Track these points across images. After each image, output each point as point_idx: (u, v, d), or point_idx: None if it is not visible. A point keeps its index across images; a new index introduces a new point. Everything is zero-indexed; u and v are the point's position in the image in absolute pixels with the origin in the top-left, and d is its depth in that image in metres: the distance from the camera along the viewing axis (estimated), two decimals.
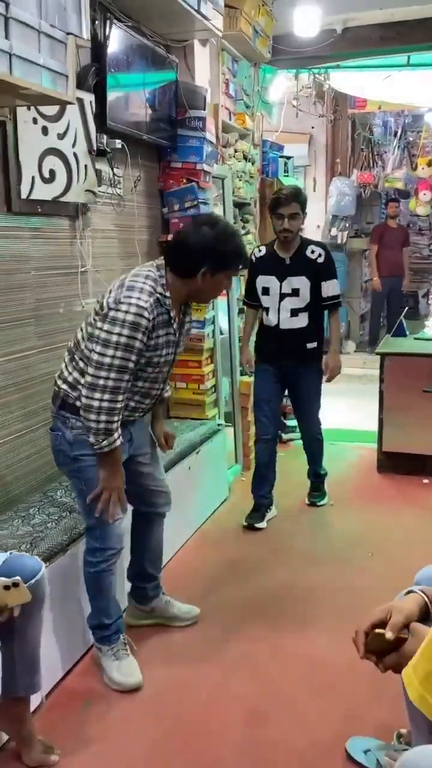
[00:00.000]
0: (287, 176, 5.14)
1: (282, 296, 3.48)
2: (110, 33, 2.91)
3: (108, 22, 2.90)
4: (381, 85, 6.34)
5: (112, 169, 3.13)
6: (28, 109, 2.49)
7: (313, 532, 3.57)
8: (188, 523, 3.46)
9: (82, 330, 2.22)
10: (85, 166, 2.88)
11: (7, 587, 1.68)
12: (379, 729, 2.03)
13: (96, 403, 2.06)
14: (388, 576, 2.88)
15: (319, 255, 3.48)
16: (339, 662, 2.41)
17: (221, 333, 4.19)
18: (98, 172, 2.99)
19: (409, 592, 1.44)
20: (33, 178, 2.56)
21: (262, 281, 3.53)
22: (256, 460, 3.68)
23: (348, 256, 8.33)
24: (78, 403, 2.13)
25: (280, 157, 5.08)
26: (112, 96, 2.96)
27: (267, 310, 3.54)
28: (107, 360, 2.05)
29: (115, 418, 2.09)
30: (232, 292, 4.32)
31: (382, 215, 8.98)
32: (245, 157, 4.53)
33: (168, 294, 2.16)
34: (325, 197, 8.32)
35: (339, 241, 8.10)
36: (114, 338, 2.04)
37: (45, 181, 2.64)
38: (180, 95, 3.58)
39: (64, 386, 2.20)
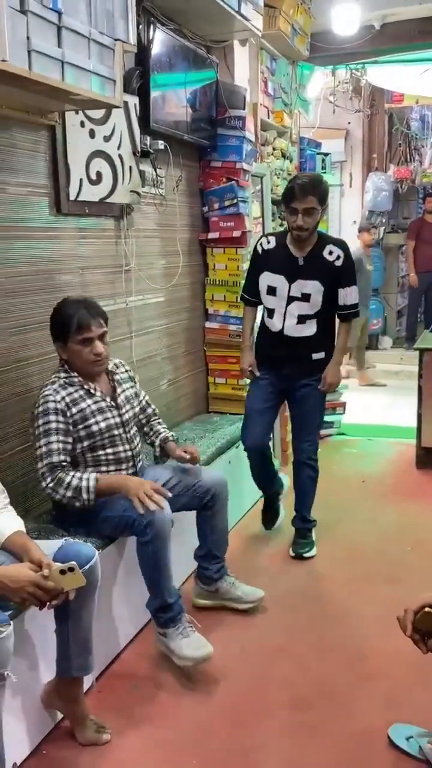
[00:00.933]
0: (325, 172, 5.15)
1: (290, 299, 3.05)
2: (154, 36, 2.98)
3: (151, 26, 2.97)
4: (419, 80, 6.31)
5: (155, 169, 3.21)
6: (76, 113, 2.58)
7: (351, 526, 3.60)
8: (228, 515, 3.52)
9: None
10: (130, 167, 2.96)
11: (63, 572, 1.77)
12: (421, 716, 2.07)
13: (49, 490, 2.25)
14: (426, 570, 2.91)
15: (338, 257, 3.03)
16: (380, 651, 2.46)
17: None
18: (142, 173, 3.07)
19: None
20: (81, 180, 2.65)
21: (267, 279, 3.09)
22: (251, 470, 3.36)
23: (384, 252, 8.30)
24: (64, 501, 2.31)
25: (318, 153, 5.10)
26: (155, 98, 3.04)
27: (270, 311, 3.12)
28: (38, 451, 2.26)
29: (72, 486, 2.24)
30: None
31: (419, 210, 8.91)
32: (283, 155, 4.57)
33: (74, 374, 2.36)
34: (361, 193, 8.30)
35: (376, 237, 8.07)
36: (34, 431, 2.29)
37: (92, 182, 2.72)
38: (220, 95, 3.64)
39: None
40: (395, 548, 3.32)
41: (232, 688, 2.31)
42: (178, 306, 3.68)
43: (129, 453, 2.46)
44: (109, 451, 2.40)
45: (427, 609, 1.39)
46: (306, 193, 2.90)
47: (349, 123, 8.23)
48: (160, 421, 2.72)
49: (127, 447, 2.45)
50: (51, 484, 2.23)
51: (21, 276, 2.44)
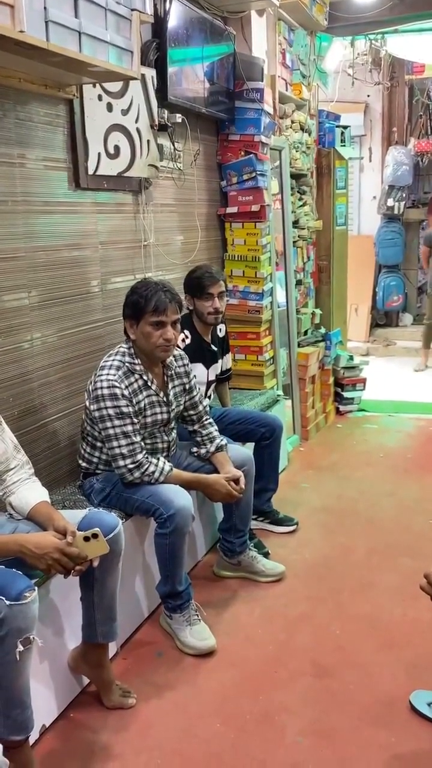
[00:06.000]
0: (344, 146, 5.09)
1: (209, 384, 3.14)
2: (170, 8, 2.94)
3: None
4: None
5: (173, 143, 3.19)
6: (94, 86, 2.57)
7: (372, 499, 3.60)
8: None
9: (84, 413, 2.45)
10: (148, 141, 2.95)
11: (87, 539, 1.80)
12: None
13: (124, 470, 2.31)
14: None
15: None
16: (402, 621, 2.48)
17: (278, 306, 4.23)
18: (160, 147, 3.06)
19: None
20: (99, 154, 2.65)
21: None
22: None
23: (405, 227, 8.19)
24: (92, 468, 2.46)
25: (337, 126, 5.02)
26: (172, 71, 3.01)
27: None
28: (111, 431, 2.30)
29: (147, 466, 2.33)
30: (289, 264, 4.35)
31: None
32: (302, 128, 4.51)
33: (138, 361, 2.37)
34: (381, 167, 8.19)
35: (396, 212, 7.97)
36: (104, 412, 2.30)
37: (110, 156, 2.72)
38: (238, 67, 3.60)
39: (84, 463, 2.49)
40: (416, 520, 3.32)
41: (255, 655, 2.34)
42: None
43: (165, 444, 2.52)
44: (147, 441, 2.44)
45: None
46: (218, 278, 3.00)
47: (368, 96, 8.10)
48: (211, 421, 2.69)
49: (165, 438, 2.51)
50: (131, 466, 2.30)
51: (41, 251, 2.44)
